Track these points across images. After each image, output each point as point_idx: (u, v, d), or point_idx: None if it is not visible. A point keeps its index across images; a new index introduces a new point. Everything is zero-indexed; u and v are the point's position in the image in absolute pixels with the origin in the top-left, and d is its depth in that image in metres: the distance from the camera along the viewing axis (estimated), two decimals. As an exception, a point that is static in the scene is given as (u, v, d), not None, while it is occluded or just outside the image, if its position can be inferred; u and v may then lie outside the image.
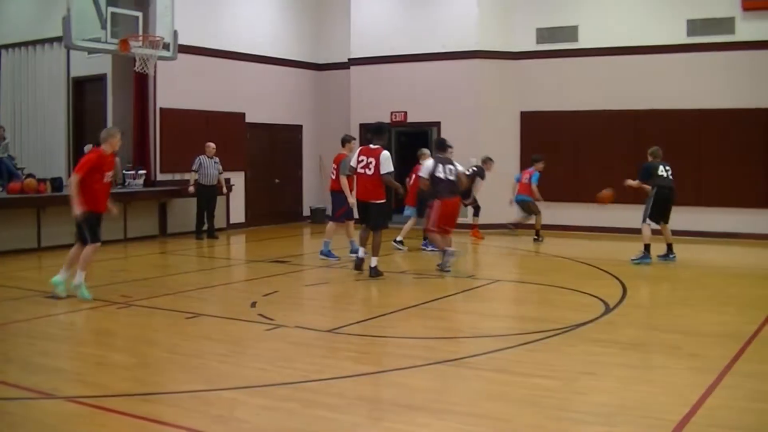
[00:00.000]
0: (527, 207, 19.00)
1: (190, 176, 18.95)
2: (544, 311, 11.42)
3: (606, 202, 16.07)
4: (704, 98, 19.57)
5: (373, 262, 13.50)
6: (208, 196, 19.19)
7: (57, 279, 11.35)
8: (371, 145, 13.77)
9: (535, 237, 18.88)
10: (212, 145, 19.08)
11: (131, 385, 7.39)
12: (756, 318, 10.17)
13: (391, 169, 13.58)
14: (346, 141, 15.86)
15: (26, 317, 10.24)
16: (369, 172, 13.56)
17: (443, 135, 21.76)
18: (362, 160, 13.68)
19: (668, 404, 6.70)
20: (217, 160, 19.18)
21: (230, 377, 7.69)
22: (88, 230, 11.19)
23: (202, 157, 18.98)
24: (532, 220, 19.06)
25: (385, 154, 13.57)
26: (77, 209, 10.89)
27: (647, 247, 14.85)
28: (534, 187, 18.78)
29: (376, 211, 13.66)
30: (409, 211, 17.68)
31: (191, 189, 18.85)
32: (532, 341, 9.00)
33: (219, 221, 20.15)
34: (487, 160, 18.50)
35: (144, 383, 7.51)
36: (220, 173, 19.30)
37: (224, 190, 19.89)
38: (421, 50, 22.10)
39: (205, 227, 19.26)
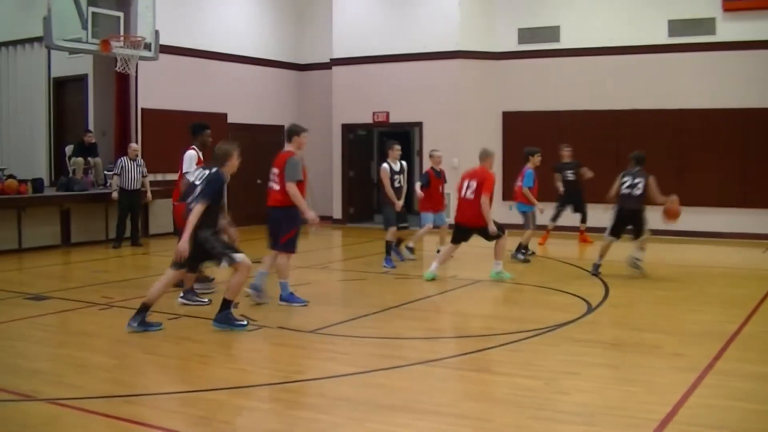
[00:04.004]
0: (525, 218, 15.98)
1: (112, 181, 17.91)
2: (526, 311, 11.43)
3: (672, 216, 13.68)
4: (685, 98, 19.66)
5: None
6: (131, 201, 17.81)
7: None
8: None
9: (517, 252, 15.80)
10: (134, 146, 18.18)
11: (112, 386, 7.36)
12: (737, 317, 10.22)
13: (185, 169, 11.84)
14: (293, 133, 11.80)
15: (6, 319, 10.18)
16: None
17: (425, 135, 21.83)
18: None
19: (649, 404, 6.72)
20: (141, 162, 17.98)
21: (212, 378, 7.66)
22: None
23: (123, 158, 17.85)
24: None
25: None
26: None
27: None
28: (526, 190, 15.63)
29: None
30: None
31: (114, 195, 17.68)
32: (513, 341, 9.01)
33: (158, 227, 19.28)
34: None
35: (125, 385, 7.48)
36: (145, 176, 18.00)
37: (148, 195, 18.16)
38: (403, 50, 22.12)
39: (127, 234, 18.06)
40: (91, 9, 16.62)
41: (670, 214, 13.58)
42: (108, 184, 18.37)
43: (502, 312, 11.80)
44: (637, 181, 13.50)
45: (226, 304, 9.41)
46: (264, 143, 23.19)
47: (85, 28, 16.53)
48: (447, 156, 18.69)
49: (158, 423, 6.41)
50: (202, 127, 12.45)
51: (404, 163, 15.49)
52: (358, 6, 22.90)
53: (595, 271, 13.70)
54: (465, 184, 13.10)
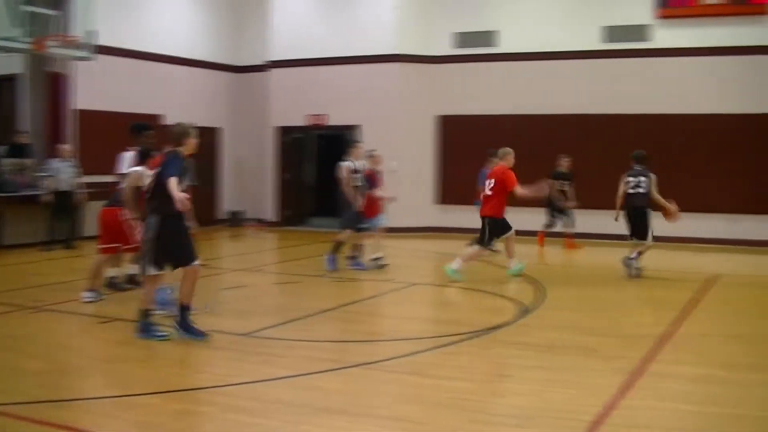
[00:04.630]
0: None
1: (46, 183, 17.47)
2: (461, 314, 11.52)
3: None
4: (622, 103, 19.95)
5: None
6: (63, 203, 17.45)
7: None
8: None
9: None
10: (65, 147, 17.74)
11: (45, 391, 7.25)
12: (672, 319, 10.38)
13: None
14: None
15: (-64, 322, 10.02)
16: None
17: (364, 138, 21.80)
18: None
19: (583, 405, 6.81)
20: (74, 163, 17.68)
21: (147, 381, 7.61)
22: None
23: (55, 160, 17.57)
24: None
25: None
26: None
27: None
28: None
29: None
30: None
31: (46, 197, 17.25)
32: (448, 344, 9.08)
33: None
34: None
35: (58, 389, 7.40)
36: (77, 178, 17.66)
37: (80, 197, 17.68)
38: (341, 53, 22.10)
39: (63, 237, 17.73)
40: (26, 8, 16.40)
41: (669, 214, 14.21)
42: (45, 186, 18.05)
43: (437, 315, 11.88)
44: (640, 179, 14.03)
45: (184, 309, 9.25)
46: (199, 146, 22.95)
47: (19, 26, 16.30)
48: (385, 159, 18.69)
49: (93, 428, 6.34)
50: (143, 128, 12.06)
51: (363, 162, 15.10)
52: (296, 9, 22.85)
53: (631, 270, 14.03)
54: (487, 182, 13.84)
